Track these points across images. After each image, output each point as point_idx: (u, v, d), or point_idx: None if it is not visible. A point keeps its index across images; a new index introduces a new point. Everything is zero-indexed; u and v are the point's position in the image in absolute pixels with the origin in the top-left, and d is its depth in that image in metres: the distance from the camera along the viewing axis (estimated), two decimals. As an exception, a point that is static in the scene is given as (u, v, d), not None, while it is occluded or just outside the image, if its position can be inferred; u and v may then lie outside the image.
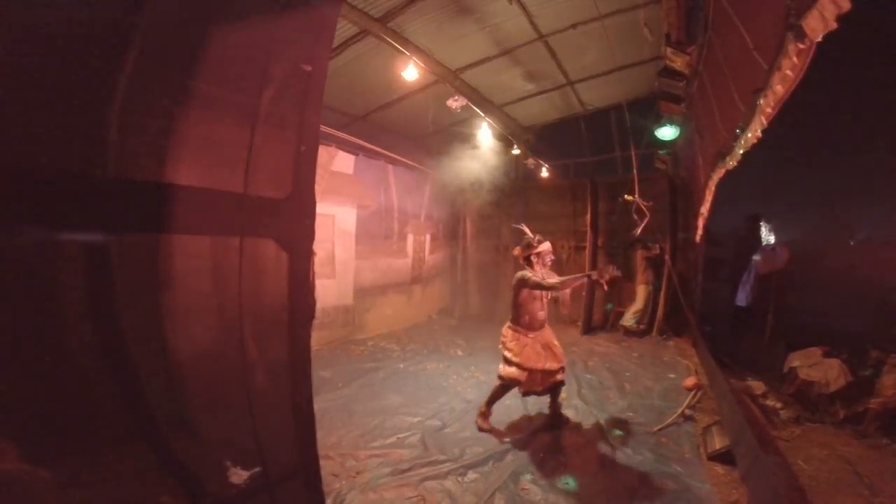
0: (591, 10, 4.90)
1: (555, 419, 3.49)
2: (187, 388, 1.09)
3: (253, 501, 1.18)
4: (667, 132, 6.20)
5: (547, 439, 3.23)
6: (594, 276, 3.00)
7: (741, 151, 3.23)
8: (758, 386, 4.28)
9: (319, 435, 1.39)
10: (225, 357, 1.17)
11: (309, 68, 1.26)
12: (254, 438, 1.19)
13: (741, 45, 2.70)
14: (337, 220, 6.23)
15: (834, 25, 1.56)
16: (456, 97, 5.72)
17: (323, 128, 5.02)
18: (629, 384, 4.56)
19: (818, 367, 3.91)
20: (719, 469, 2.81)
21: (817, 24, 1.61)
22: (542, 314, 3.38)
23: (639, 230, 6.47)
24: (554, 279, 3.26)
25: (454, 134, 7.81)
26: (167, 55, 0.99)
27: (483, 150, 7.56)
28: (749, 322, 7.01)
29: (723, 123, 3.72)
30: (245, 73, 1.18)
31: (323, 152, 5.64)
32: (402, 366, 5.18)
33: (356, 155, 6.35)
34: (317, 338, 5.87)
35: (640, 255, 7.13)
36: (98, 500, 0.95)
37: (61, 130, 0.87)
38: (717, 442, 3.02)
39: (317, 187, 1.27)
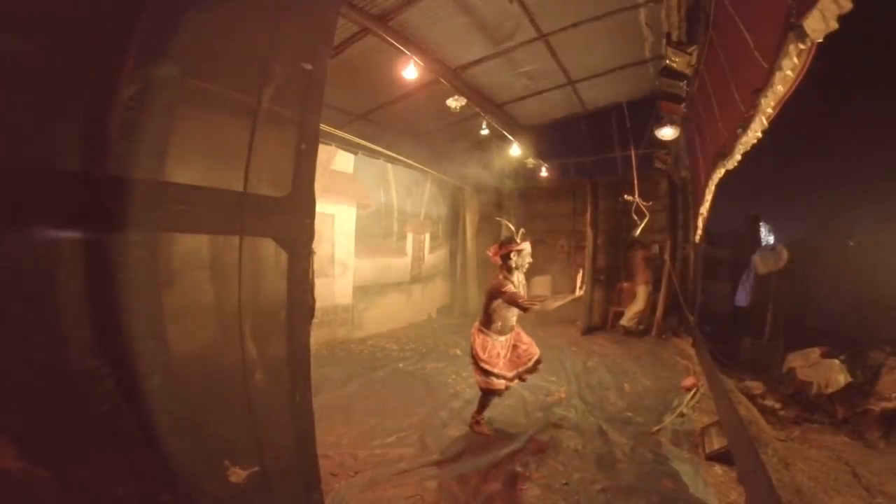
0: (592, 9, 4.90)
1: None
2: (186, 387, 1.09)
3: (252, 500, 1.17)
4: (667, 132, 6.20)
5: (546, 439, 3.23)
6: (579, 293, 2.93)
7: (741, 151, 3.23)
8: (757, 386, 4.29)
9: (318, 434, 1.39)
10: (224, 356, 1.16)
11: (309, 67, 1.26)
12: (252, 437, 1.19)
13: (742, 45, 2.70)
14: (337, 219, 6.22)
15: (835, 26, 1.55)
16: (456, 96, 5.72)
17: (323, 126, 5.01)
18: (628, 384, 4.56)
19: (817, 368, 3.92)
20: (718, 469, 2.81)
21: (818, 25, 1.61)
22: (514, 320, 3.26)
23: (638, 230, 6.48)
24: (535, 297, 3.03)
25: (454, 133, 7.81)
26: (167, 52, 0.99)
27: (483, 149, 7.57)
28: (748, 322, 7.02)
29: (723, 123, 3.71)
30: (245, 71, 1.18)
31: (323, 151, 5.63)
32: (401, 365, 5.18)
33: (356, 154, 6.34)
34: (316, 337, 5.87)
35: (639, 256, 7.14)
36: (97, 498, 0.95)
37: (60, 128, 0.86)
38: (716, 442, 3.02)
39: (316, 186, 1.27)
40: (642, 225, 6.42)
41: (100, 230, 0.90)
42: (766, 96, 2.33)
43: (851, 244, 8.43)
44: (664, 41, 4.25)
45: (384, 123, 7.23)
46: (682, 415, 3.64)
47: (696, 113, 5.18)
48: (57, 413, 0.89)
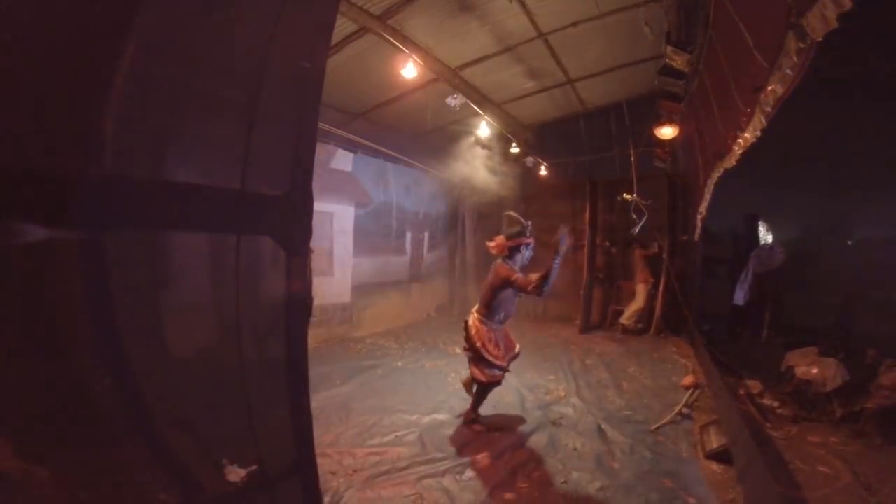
0: (592, 8, 4.89)
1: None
2: (184, 386, 1.09)
3: (250, 499, 1.17)
4: (666, 131, 6.20)
5: (544, 438, 3.23)
6: (561, 252, 2.79)
7: (740, 151, 3.23)
8: (755, 385, 4.30)
9: (317, 433, 1.39)
10: (222, 354, 1.16)
11: (308, 65, 1.25)
12: (251, 436, 1.19)
13: (742, 44, 2.70)
14: (335, 218, 6.22)
15: (835, 24, 1.55)
16: (455, 95, 5.71)
17: (321, 125, 5.01)
18: (627, 383, 4.57)
19: (815, 366, 3.92)
20: (716, 468, 2.82)
21: (818, 24, 1.61)
22: (514, 310, 3.29)
23: (637, 229, 6.48)
24: (533, 277, 2.96)
25: (453, 132, 7.80)
26: (165, 51, 0.98)
27: (482, 147, 7.56)
28: (747, 321, 7.04)
29: (723, 122, 3.72)
30: (243, 70, 1.18)
31: (321, 150, 5.62)
32: (400, 363, 5.18)
33: (355, 152, 6.34)
34: (314, 335, 5.87)
35: (638, 254, 7.15)
36: (96, 497, 0.95)
37: (58, 127, 0.86)
38: (715, 441, 3.03)
39: (315, 184, 1.27)
40: (641, 224, 6.43)
41: (96, 229, 0.89)
42: (765, 95, 2.33)
43: (850, 243, 8.46)
44: (664, 40, 4.25)
45: (383, 122, 7.22)
46: (680, 413, 3.65)
47: (695, 112, 5.19)
48: (54, 411, 0.88)
